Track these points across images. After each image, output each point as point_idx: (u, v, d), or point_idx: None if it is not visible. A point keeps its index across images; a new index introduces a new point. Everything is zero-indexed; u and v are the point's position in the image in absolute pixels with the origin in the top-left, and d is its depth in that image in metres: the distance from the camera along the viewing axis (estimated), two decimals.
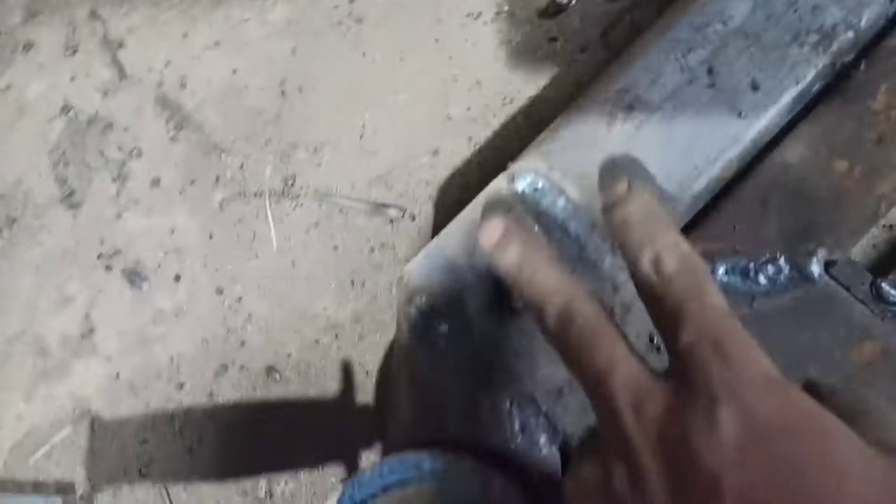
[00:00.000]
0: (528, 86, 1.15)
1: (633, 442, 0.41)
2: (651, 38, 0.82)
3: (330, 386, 1.14)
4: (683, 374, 0.42)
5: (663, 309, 0.46)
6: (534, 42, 1.15)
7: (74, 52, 1.23)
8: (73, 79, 1.22)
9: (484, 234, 0.56)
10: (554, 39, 1.16)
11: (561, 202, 0.79)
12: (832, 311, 0.74)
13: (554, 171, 0.80)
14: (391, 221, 1.15)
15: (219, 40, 1.22)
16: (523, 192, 0.80)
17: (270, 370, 1.15)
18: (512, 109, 1.15)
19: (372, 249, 1.14)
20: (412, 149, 1.16)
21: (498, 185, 0.81)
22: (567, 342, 0.47)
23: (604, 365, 0.45)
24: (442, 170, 1.15)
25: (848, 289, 0.90)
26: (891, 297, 0.96)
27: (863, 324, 0.73)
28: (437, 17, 1.18)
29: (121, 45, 1.22)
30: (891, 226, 1.09)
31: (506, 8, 1.17)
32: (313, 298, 1.15)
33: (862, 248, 1.09)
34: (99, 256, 1.18)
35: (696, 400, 0.40)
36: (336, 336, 1.14)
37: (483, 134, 1.15)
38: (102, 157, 1.20)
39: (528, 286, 0.51)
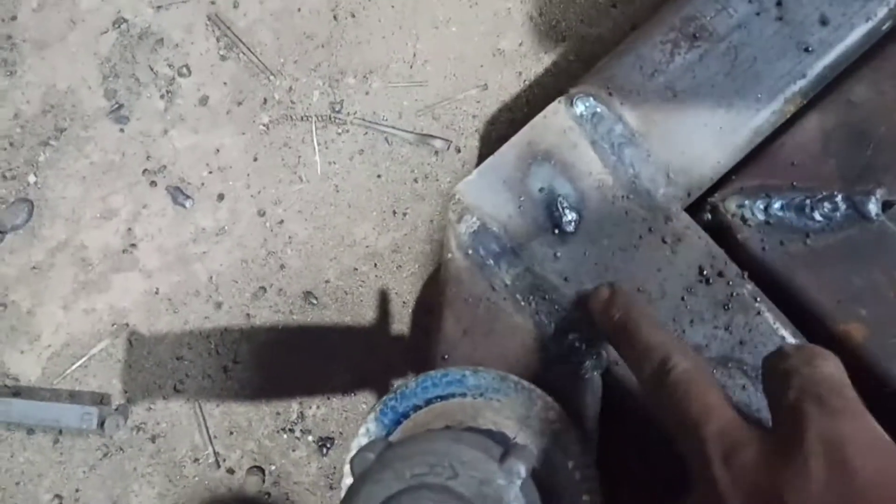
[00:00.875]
0: (581, 24, 1.14)
1: (722, 488, 0.41)
2: None
3: (366, 314, 1.14)
4: (783, 426, 0.42)
5: (776, 371, 0.47)
6: None
7: None
8: None
9: (593, 299, 0.67)
10: None
11: (619, 128, 0.78)
12: (887, 252, 0.72)
13: (613, 97, 0.79)
14: (436, 153, 1.14)
15: None
16: (581, 116, 0.79)
17: (308, 295, 1.15)
18: (564, 47, 1.13)
19: (416, 180, 1.14)
20: (461, 81, 1.15)
21: (556, 107, 0.80)
22: (663, 392, 0.49)
23: (698, 413, 0.46)
24: (490, 104, 1.14)
25: None
26: None
27: None
28: None
29: None
30: None
31: None
32: (354, 226, 1.15)
33: None
34: (144, 171, 1.19)
35: (792, 452, 0.40)
36: (375, 265, 1.15)
37: (534, 69, 1.14)
38: (152, 73, 1.20)
39: (630, 342, 0.57)
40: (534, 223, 0.78)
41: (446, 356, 0.78)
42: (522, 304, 0.77)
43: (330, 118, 1.16)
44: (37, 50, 1.20)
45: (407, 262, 1.14)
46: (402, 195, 1.14)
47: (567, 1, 1.14)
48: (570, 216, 0.77)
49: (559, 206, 0.77)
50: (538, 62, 1.14)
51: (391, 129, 1.15)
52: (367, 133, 1.16)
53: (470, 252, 0.79)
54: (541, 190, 0.78)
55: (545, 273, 0.77)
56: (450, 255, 0.80)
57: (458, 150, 1.13)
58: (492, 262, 0.78)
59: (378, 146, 1.16)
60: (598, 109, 0.79)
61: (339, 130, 1.16)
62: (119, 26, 1.21)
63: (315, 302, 1.15)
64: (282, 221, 1.16)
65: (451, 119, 1.15)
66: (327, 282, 1.15)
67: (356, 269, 1.15)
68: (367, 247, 1.15)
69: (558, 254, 0.77)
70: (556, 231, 0.77)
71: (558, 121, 0.79)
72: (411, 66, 1.16)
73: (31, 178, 1.20)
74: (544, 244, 0.77)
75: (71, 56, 1.21)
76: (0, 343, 1.18)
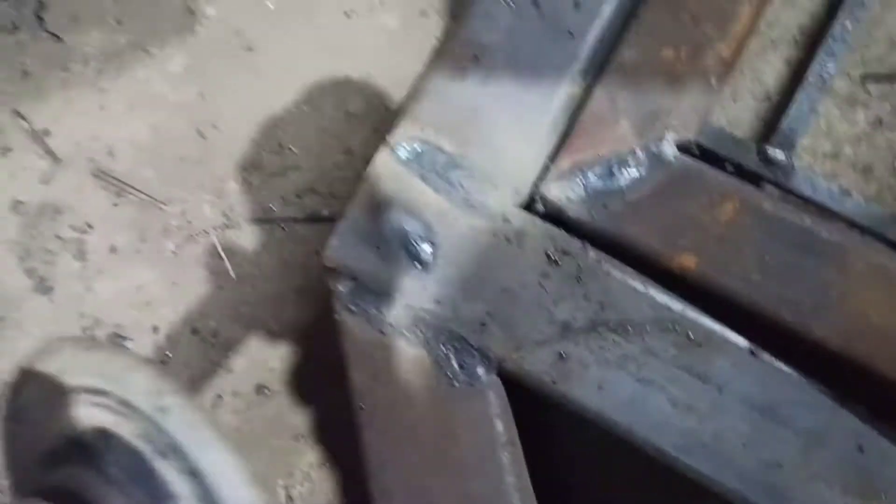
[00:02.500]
0: (414, 65, 1.23)
1: None
2: None
3: (316, 388, 1.23)
4: None
5: None
6: (409, 21, 1.23)
7: (8, 151, 1.32)
8: (12, 176, 1.31)
9: None
10: (426, 14, 1.24)
11: (440, 158, 0.87)
12: (691, 183, 0.81)
13: (427, 132, 0.88)
14: (329, 221, 1.23)
15: (132, 103, 1.30)
16: (406, 159, 0.88)
17: (260, 388, 1.24)
18: (405, 90, 1.23)
19: (316, 252, 1.23)
20: (327, 153, 1.24)
21: (382, 158, 0.89)
22: None
23: None
24: (358, 164, 1.23)
25: (730, 160, 0.98)
26: (777, 159, 1.04)
27: (720, 187, 0.81)
28: (317, 24, 1.26)
29: (47, 133, 1.31)
30: (768, 95, 1.16)
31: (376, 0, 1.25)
32: (279, 312, 1.24)
33: (749, 121, 1.16)
34: (83, 330, 1.28)
35: None
36: (308, 340, 1.23)
37: (387, 120, 1.23)
38: (60, 240, 1.29)
39: None
40: (396, 264, 0.86)
41: (362, 405, 0.86)
42: (410, 337, 0.86)
43: (226, 225, 1.25)
44: None
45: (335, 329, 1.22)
46: (310, 270, 1.23)
47: (395, 49, 1.23)
48: (425, 248, 0.86)
49: (413, 242, 0.86)
50: (388, 113, 1.23)
51: (281, 217, 1.24)
52: (262, 227, 1.25)
53: (353, 308, 0.87)
54: (393, 234, 0.87)
55: (421, 304, 0.86)
56: (338, 317, 0.88)
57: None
58: (373, 309, 0.87)
59: (276, 235, 1.24)
60: (418, 147, 0.88)
61: (238, 233, 1.25)
62: (17, 209, 1.30)
63: (268, 392, 1.23)
64: (216, 333, 1.25)
65: (329, 189, 1.24)
66: (272, 370, 1.24)
67: (294, 351, 1.23)
68: (296, 328, 1.23)
69: (426, 283, 0.86)
70: (418, 264, 0.86)
71: (388, 169, 0.88)
72: (280, 155, 1.25)
73: None
74: (412, 279, 0.86)
75: None
76: None
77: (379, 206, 0.88)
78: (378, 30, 1.24)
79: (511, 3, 0.87)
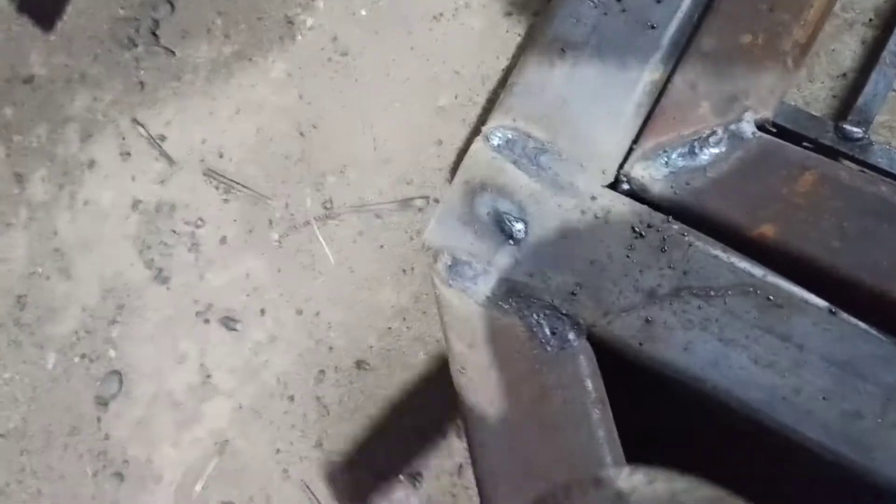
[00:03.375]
0: (498, 60, 1.31)
1: None
2: None
3: (411, 361, 1.32)
4: None
5: None
6: (493, 21, 1.31)
7: (128, 156, 1.46)
8: (133, 178, 1.45)
9: None
10: (509, 13, 1.32)
11: (531, 144, 0.95)
12: (769, 158, 0.87)
13: (518, 122, 0.96)
14: (420, 210, 1.32)
15: (238, 108, 1.42)
16: (498, 146, 0.96)
17: (360, 363, 1.33)
18: (491, 85, 1.31)
19: (411, 238, 1.32)
20: (419, 145, 1.34)
21: (477, 146, 0.97)
22: None
23: None
24: (448, 154, 1.32)
25: (807, 138, 1.03)
26: (854, 135, 1.08)
27: (798, 160, 0.86)
28: (407, 29, 1.36)
29: (163, 138, 1.45)
30: (844, 74, 1.20)
31: (461, 1, 1.34)
32: (376, 294, 1.34)
33: (825, 100, 1.21)
34: (196, 314, 1.40)
35: None
36: (404, 319, 1.32)
37: (473, 113, 1.32)
38: (175, 234, 1.42)
39: None
40: (492, 242, 0.94)
41: (462, 368, 0.95)
42: (506, 307, 0.94)
43: (326, 216, 1.36)
44: (82, 251, 1.44)
45: (429, 306, 1.31)
46: (405, 255, 1.32)
47: (481, 48, 1.32)
48: (517, 226, 0.94)
49: (506, 221, 0.94)
50: (475, 106, 1.32)
51: (377, 206, 1.34)
52: (359, 216, 1.35)
53: (451, 283, 0.96)
54: (488, 214, 0.95)
55: (515, 277, 0.93)
56: (437, 291, 0.97)
57: (437, 201, 1.31)
58: (470, 283, 0.95)
59: (372, 223, 1.34)
60: (510, 135, 0.96)
61: (337, 223, 1.35)
62: (137, 208, 1.44)
63: (368, 367, 1.33)
64: (318, 312, 1.35)
65: (421, 179, 1.33)
66: (371, 347, 1.33)
67: (390, 328, 1.33)
68: (392, 307, 1.33)
69: (519, 258, 0.94)
70: (512, 241, 0.94)
71: (482, 156, 0.96)
72: (375, 149, 1.35)
73: (112, 353, 1.42)
74: (506, 255, 0.94)
75: (109, 246, 1.44)
76: (135, 493, 1.39)
77: (474, 190, 0.96)
78: (464, 30, 1.33)
79: (596, 1, 0.94)
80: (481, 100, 1.32)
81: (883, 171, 1.09)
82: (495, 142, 0.96)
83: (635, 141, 0.94)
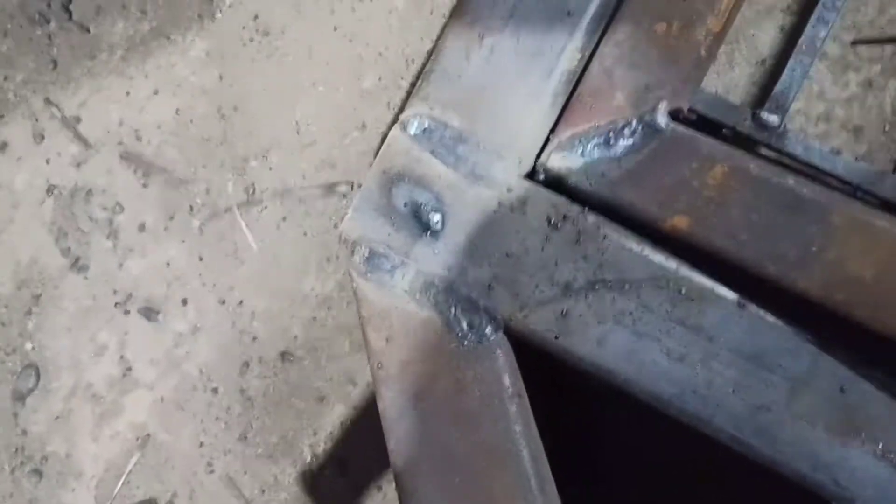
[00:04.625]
0: (423, 42, 1.29)
1: None
2: None
3: (336, 351, 1.30)
4: None
5: None
6: (418, 1, 1.29)
7: (42, 138, 1.40)
8: (48, 161, 1.39)
9: None
10: None
11: (448, 133, 0.93)
12: (682, 150, 0.87)
13: (436, 109, 0.94)
14: (344, 196, 1.30)
15: (156, 88, 1.37)
16: (415, 135, 0.94)
17: (284, 354, 1.31)
18: (416, 67, 1.29)
19: (335, 225, 1.30)
20: (342, 128, 1.31)
21: (394, 134, 0.95)
22: None
23: None
24: (373, 138, 1.30)
25: (725, 125, 1.03)
26: (770, 123, 1.09)
27: (710, 153, 0.86)
28: (330, 8, 1.32)
29: (78, 119, 1.39)
30: (763, 60, 1.21)
31: None
32: (300, 283, 1.31)
33: (744, 86, 1.21)
34: (116, 305, 1.36)
35: None
36: (329, 308, 1.30)
37: (398, 96, 1.29)
38: (92, 221, 1.37)
39: None
40: (409, 233, 0.93)
41: (380, 364, 0.93)
42: (423, 300, 0.92)
43: (248, 201, 1.32)
44: None
45: (353, 297, 1.29)
46: (329, 242, 1.30)
47: (405, 28, 1.29)
48: (435, 217, 0.92)
49: (424, 212, 0.93)
50: (399, 88, 1.29)
51: (301, 191, 1.31)
52: (282, 202, 1.32)
53: (368, 276, 0.94)
54: (405, 205, 0.93)
55: (431, 270, 0.92)
56: (355, 284, 0.95)
57: (360, 186, 1.29)
58: (387, 276, 0.93)
59: (295, 209, 1.31)
60: (428, 124, 0.94)
61: (259, 209, 1.32)
62: (52, 193, 1.38)
63: (292, 358, 1.31)
64: (241, 302, 1.33)
65: (345, 163, 1.31)
66: (296, 338, 1.31)
67: (315, 318, 1.31)
68: (316, 295, 1.31)
69: (436, 250, 0.92)
70: (429, 233, 0.92)
71: (399, 145, 0.94)
72: (298, 132, 1.32)
73: (28, 346, 1.37)
74: (423, 246, 0.93)
75: (23, 232, 1.38)
76: (54, 489, 1.35)
77: (392, 180, 0.94)
78: (388, 11, 1.30)
79: None
80: (406, 83, 1.29)
81: (798, 158, 1.10)
82: (413, 130, 0.94)
83: (552, 130, 0.93)
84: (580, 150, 0.90)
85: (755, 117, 1.10)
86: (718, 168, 0.85)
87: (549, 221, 0.90)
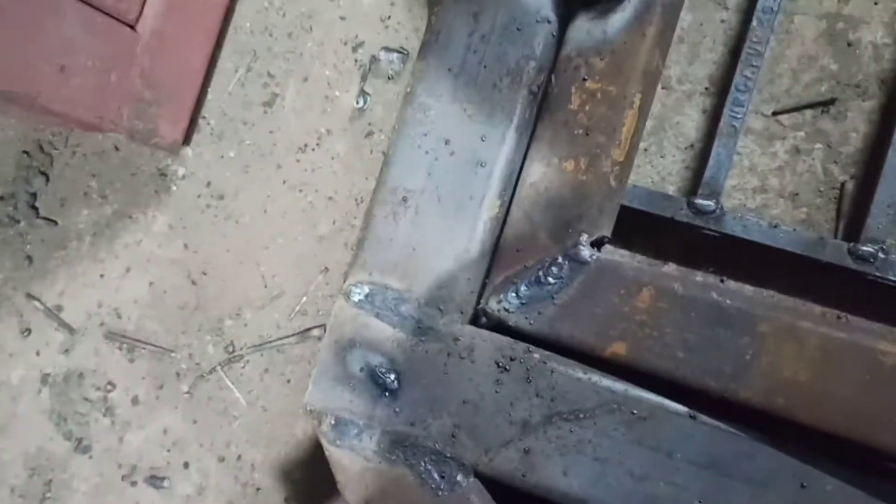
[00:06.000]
0: (368, 181, 1.34)
1: None
2: (393, 136, 1.00)
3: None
4: None
5: None
6: (357, 143, 1.35)
7: (29, 332, 1.46)
8: (38, 353, 1.46)
9: None
10: (370, 133, 1.35)
11: (390, 294, 0.98)
12: (609, 278, 0.91)
13: (374, 275, 0.99)
14: (319, 339, 1.35)
15: (128, 266, 1.44)
16: (359, 302, 0.98)
17: (288, 500, 1.35)
18: (365, 205, 1.34)
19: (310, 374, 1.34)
20: (306, 275, 1.36)
21: (340, 304, 1.00)
22: None
23: None
24: (336, 279, 1.35)
25: (665, 218, 1.07)
26: (706, 209, 1.13)
27: (634, 277, 0.90)
28: (276, 163, 1.38)
29: (59, 308, 1.46)
30: (692, 145, 1.25)
31: (323, 129, 1.37)
32: (293, 427, 1.35)
33: (678, 172, 1.25)
34: (123, 478, 1.41)
35: None
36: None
37: (353, 236, 1.34)
38: (88, 402, 1.43)
39: None
40: (369, 396, 0.97)
41: None
42: (393, 458, 0.96)
43: (230, 360, 1.37)
44: (0, 434, 1.44)
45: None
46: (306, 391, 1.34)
47: (349, 172, 1.35)
48: (390, 377, 0.96)
49: (379, 374, 0.97)
50: (353, 228, 1.35)
51: (277, 342, 1.36)
52: (261, 354, 1.37)
53: (338, 443, 0.98)
54: (361, 369, 0.98)
55: (396, 428, 0.96)
56: (327, 452, 0.99)
57: None
58: (356, 440, 0.97)
59: (275, 358, 1.36)
60: (368, 289, 0.99)
61: (241, 364, 1.37)
62: (46, 381, 1.44)
63: (296, 502, 1.34)
64: (239, 456, 1.37)
65: (315, 308, 1.36)
66: (296, 481, 1.35)
67: (312, 460, 1.34)
68: (310, 438, 1.35)
69: (397, 409, 0.96)
70: (387, 393, 0.96)
71: (346, 313, 0.99)
72: (265, 286, 1.37)
73: None
74: (384, 407, 0.97)
75: (26, 423, 1.44)
76: None
77: (345, 348, 0.98)
78: (330, 157, 1.36)
79: (427, 148, 0.98)
80: (358, 222, 1.35)
81: (739, 238, 1.13)
82: (356, 298, 0.99)
83: (487, 276, 0.97)
84: (514, 292, 0.94)
85: (691, 205, 1.14)
86: (645, 292, 0.89)
87: (498, 365, 0.94)
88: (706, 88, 1.25)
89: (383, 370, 0.96)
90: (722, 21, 1.25)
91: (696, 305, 0.87)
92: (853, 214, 1.18)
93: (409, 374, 0.96)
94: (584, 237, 0.92)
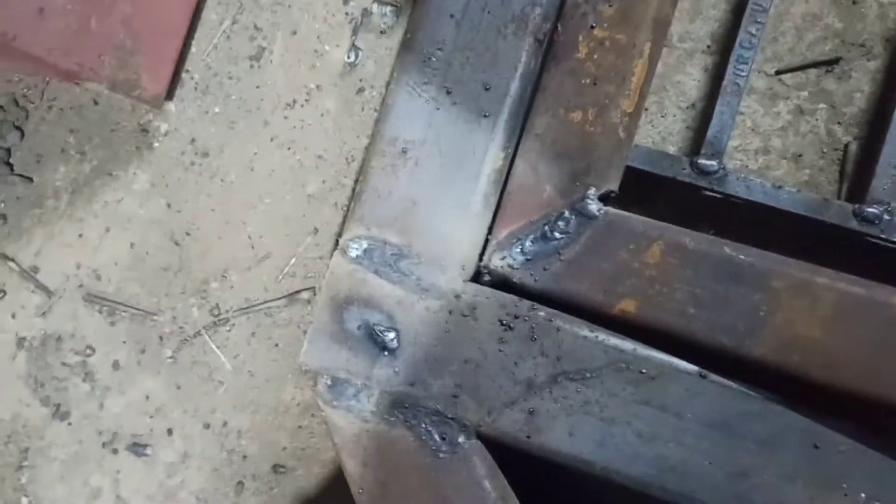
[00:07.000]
0: (359, 139, 1.30)
1: None
2: (392, 85, 0.96)
3: (326, 456, 1.30)
4: None
5: None
6: (348, 100, 1.30)
7: (4, 294, 1.40)
8: (13, 315, 1.40)
9: None
10: (361, 90, 1.31)
11: (388, 250, 0.94)
12: (617, 233, 0.87)
13: (372, 229, 0.95)
14: (308, 302, 1.30)
15: (107, 226, 1.38)
16: (357, 257, 0.94)
17: (276, 467, 1.31)
18: (357, 164, 1.30)
19: (304, 332, 1.30)
20: (295, 237, 1.32)
21: (336, 260, 0.95)
22: None
23: None
24: (326, 240, 1.30)
25: (667, 178, 1.04)
26: (709, 169, 1.10)
27: (643, 231, 0.87)
28: (263, 120, 1.33)
29: (35, 269, 1.40)
30: (693, 104, 1.22)
31: (312, 85, 1.32)
32: (280, 393, 1.31)
33: (679, 132, 1.22)
34: (103, 445, 1.36)
35: None
36: (312, 415, 1.31)
37: (344, 196, 1.30)
38: (66, 366, 1.38)
39: None
40: (367, 355, 0.93)
41: (361, 489, 0.94)
42: (392, 420, 0.93)
43: (215, 323, 1.33)
44: None
45: None
46: (301, 348, 1.30)
47: (340, 129, 1.30)
48: (389, 336, 0.93)
49: (378, 332, 0.93)
50: (344, 188, 1.30)
51: (265, 305, 1.31)
52: (248, 317, 1.32)
53: (335, 403, 0.94)
54: (359, 328, 0.94)
55: (396, 388, 0.92)
56: (323, 413, 0.95)
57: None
58: (353, 401, 0.94)
59: (262, 323, 1.32)
60: (367, 245, 0.95)
61: (227, 328, 1.33)
62: (22, 345, 1.39)
63: (285, 469, 1.31)
64: (225, 423, 1.33)
65: (304, 271, 1.31)
66: (284, 448, 1.31)
67: (300, 427, 1.31)
68: (298, 404, 1.31)
69: (396, 368, 0.93)
70: (386, 352, 0.93)
71: (342, 269, 0.95)
72: (252, 247, 1.33)
73: (24, 501, 1.37)
74: (383, 366, 0.93)
75: (2, 389, 1.39)
76: None
77: (341, 305, 0.95)
78: (320, 114, 1.31)
79: (427, 97, 0.93)
80: (349, 181, 1.30)
81: (742, 199, 1.11)
82: (353, 253, 0.95)
83: (490, 231, 0.94)
84: (519, 248, 0.91)
85: (693, 165, 1.12)
86: (655, 247, 0.86)
87: (502, 323, 0.90)
88: (708, 46, 1.22)
89: (382, 328, 0.93)
90: None
91: (708, 260, 0.85)
92: (857, 176, 1.17)
93: (409, 333, 0.93)
94: (592, 191, 0.89)
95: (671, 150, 1.23)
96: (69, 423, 1.38)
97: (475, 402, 0.90)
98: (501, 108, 0.92)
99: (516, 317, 0.90)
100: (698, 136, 1.21)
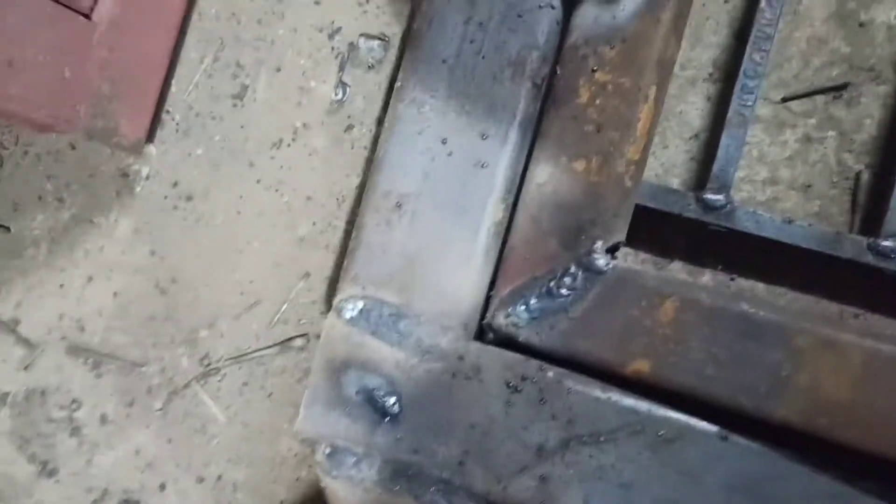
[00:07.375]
0: (350, 178, 1.25)
1: None
2: (384, 135, 0.91)
3: None
4: None
5: None
6: (336, 138, 1.25)
7: None
8: None
9: None
10: (351, 127, 1.26)
11: (386, 310, 0.89)
12: (628, 289, 0.83)
13: (368, 288, 0.90)
14: (301, 349, 1.25)
15: (90, 275, 1.33)
16: (352, 318, 0.90)
17: None
18: (348, 205, 1.25)
19: (298, 380, 1.25)
20: (286, 281, 1.26)
21: (331, 321, 0.91)
22: None
23: None
24: (318, 285, 1.25)
25: (673, 214, 1.00)
26: (716, 204, 1.06)
27: (656, 287, 0.82)
28: (248, 161, 1.28)
29: (17, 322, 1.34)
30: (696, 134, 1.17)
31: (299, 123, 1.27)
32: (275, 444, 1.26)
33: (683, 163, 1.18)
34: (94, 502, 1.31)
35: None
36: (310, 466, 1.26)
37: (336, 238, 1.25)
38: (52, 422, 1.32)
39: None
40: (367, 422, 0.89)
41: None
42: (396, 489, 0.88)
43: (205, 373, 1.28)
44: None
45: None
46: (296, 399, 1.25)
47: (328, 168, 1.25)
48: (390, 401, 0.88)
49: (377, 397, 0.88)
50: (335, 229, 1.25)
51: (257, 353, 1.26)
52: (240, 367, 1.27)
53: (334, 473, 0.89)
54: (357, 393, 0.89)
55: (399, 456, 0.88)
56: (322, 483, 0.90)
57: (318, 336, 1.24)
58: (354, 470, 0.89)
59: (255, 371, 1.27)
60: (363, 305, 0.90)
61: (218, 378, 1.27)
62: (5, 401, 1.33)
63: None
64: (220, 477, 1.27)
65: (296, 316, 1.26)
66: (282, 502, 1.26)
67: (298, 479, 1.26)
68: (294, 455, 1.26)
69: (399, 435, 0.88)
70: (387, 418, 0.88)
71: (337, 331, 0.90)
72: (242, 294, 1.27)
73: None
74: (384, 433, 0.88)
75: None
76: None
77: (338, 369, 0.90)
78: (308, 153, 1.26)
79: (423, 148, 0.89)
80: (341, 223, 1.25)
81: (751, 235, 1.06)
82: (348, 315, 0.90)
83: (492, 287, 0.89)
84: (524, 305, 0.86)
85: (699, 201, 1.07)
86: (668, 304, 0.82)
87: (508, 385, 0.86)
88: (710, 74, 1.18)
89: (382, 393, 0.88)
90: (725, 1, 1.18)
91: (725, 318, 0.80)
92: (870, 206, 1.12)
93: (411, 397, 0.88)
94: (599, 244, 0.84)
95: (675, 182, 1.18)
96: (57, 481, 1.32)
97: (483, 469, 0.86)
98: (500, 157, 0.87)
99: (524, 378, 0.85)
100: (703, 167, 1.17)
